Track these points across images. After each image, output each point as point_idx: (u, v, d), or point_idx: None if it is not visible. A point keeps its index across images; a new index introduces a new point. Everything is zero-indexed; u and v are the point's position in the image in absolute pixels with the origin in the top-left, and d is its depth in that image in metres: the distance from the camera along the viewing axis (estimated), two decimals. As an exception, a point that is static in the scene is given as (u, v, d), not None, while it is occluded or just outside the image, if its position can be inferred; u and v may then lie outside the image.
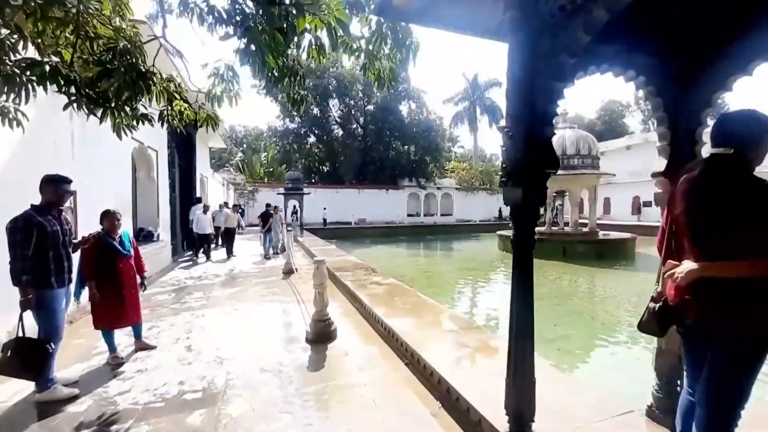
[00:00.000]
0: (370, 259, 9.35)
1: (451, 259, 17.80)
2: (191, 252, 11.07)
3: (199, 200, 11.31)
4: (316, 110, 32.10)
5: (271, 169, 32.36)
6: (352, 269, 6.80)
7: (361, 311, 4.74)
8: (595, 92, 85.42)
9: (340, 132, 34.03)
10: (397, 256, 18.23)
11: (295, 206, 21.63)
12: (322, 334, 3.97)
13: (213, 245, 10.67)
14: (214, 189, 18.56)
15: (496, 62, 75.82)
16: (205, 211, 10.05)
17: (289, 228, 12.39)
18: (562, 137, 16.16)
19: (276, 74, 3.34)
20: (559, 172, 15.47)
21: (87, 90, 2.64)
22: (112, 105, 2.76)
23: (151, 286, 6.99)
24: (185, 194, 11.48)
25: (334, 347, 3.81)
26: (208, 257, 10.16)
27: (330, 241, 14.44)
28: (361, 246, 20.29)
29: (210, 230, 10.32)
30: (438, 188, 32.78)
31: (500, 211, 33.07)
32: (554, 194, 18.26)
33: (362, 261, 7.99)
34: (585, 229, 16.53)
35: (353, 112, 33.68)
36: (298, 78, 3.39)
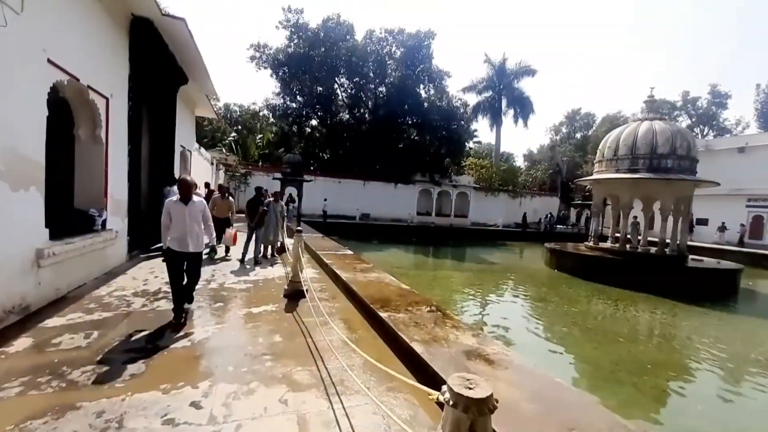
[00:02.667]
0: (386, 267, 6.84)
1: (494, 275, 14.11)
2: (157, 248, 8.28)
3: (174, 181, 8.38)
4: (320, 89, 28.97)
5: (267, 152, 29.33)
6: (403, 304, 4.18)
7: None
8: (640, 86, 78.00)
9: (347, 115, 30.65)
10: (419, 266, 15.35)
11: (291, 195, 18.93)
12: None
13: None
14: (200, 167, 15.62)
15: (529, 46, 68.53)
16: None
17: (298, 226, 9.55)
18: (651, 130, 12.61)
19: None
20: (648, 174, 11.41)
21: None
22: None
23: (70, 308, 4.12)
24: (159, 169, 8.67)
25: None
26: (193, 287, 4.37)
27: (331, 238, 11.74)
28: (368, 247, 17.58)
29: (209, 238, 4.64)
30: (454, 186, 29.31)
31: (524, 216, 30.21)
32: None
33: (408, 286, 5.33)
34: (667, 251, 13.36)
35: (363, 94, 30.18)
36: None
